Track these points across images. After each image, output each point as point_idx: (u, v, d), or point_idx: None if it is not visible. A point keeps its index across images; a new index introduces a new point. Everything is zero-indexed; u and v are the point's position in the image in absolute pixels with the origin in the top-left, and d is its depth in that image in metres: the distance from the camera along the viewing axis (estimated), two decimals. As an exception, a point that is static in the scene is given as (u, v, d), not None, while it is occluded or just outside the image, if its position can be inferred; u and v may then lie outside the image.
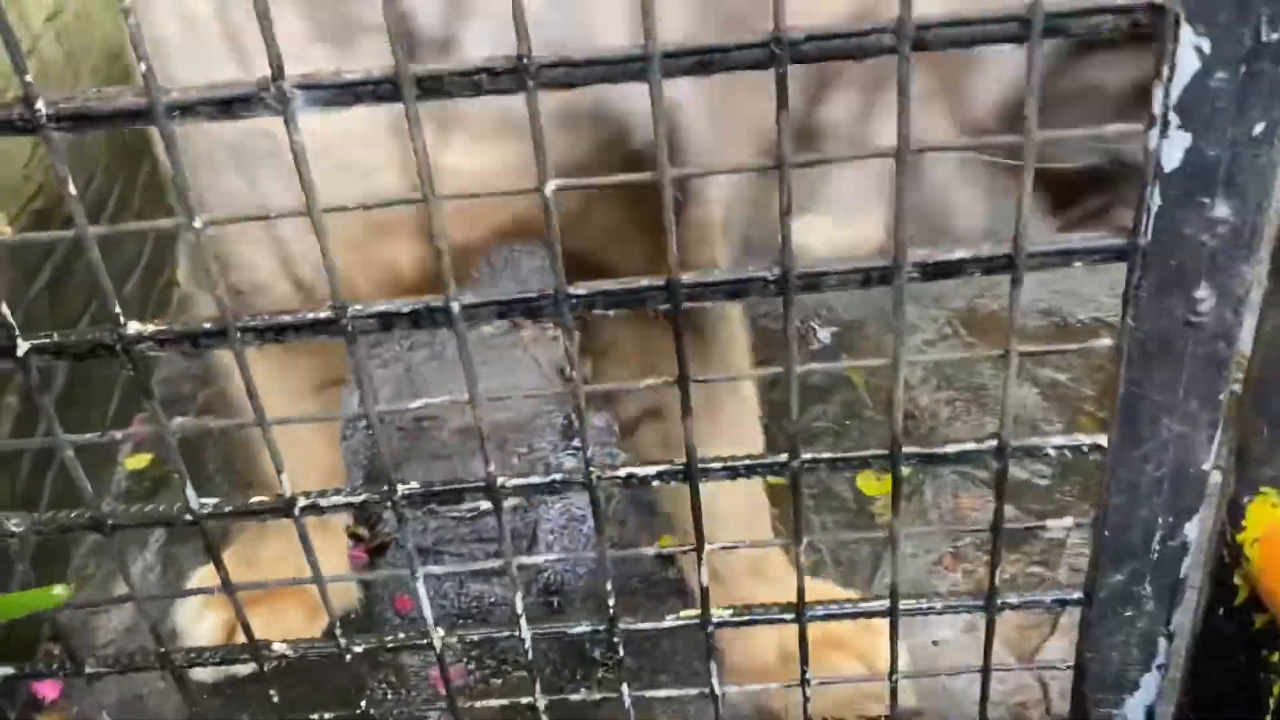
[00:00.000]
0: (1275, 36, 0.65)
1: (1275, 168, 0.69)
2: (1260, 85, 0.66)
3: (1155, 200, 0.71)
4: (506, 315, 0.75)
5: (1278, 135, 0.68)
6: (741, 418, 1.51)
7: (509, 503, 0.88)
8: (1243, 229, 0.71)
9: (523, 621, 0.91)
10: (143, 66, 0.64)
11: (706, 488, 0.83)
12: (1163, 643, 0.91)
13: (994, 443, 0.82)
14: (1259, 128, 0.68)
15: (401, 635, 0.94)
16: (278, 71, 0.64)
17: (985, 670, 0.98)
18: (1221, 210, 0.71)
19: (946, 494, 1.88)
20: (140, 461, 2.02)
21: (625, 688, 0.98)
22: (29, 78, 0.64)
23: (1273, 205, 0.71)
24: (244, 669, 1.42)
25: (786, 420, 0.80)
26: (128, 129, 0.69)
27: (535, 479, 0.84)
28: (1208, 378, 0.77)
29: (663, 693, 1.08)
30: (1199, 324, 0.75)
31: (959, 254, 0.74)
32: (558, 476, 0.84)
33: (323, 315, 0.74)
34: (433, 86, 0.66)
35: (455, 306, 0.73)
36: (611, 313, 0.76)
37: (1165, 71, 0.66)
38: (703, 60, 0.66)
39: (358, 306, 0.73)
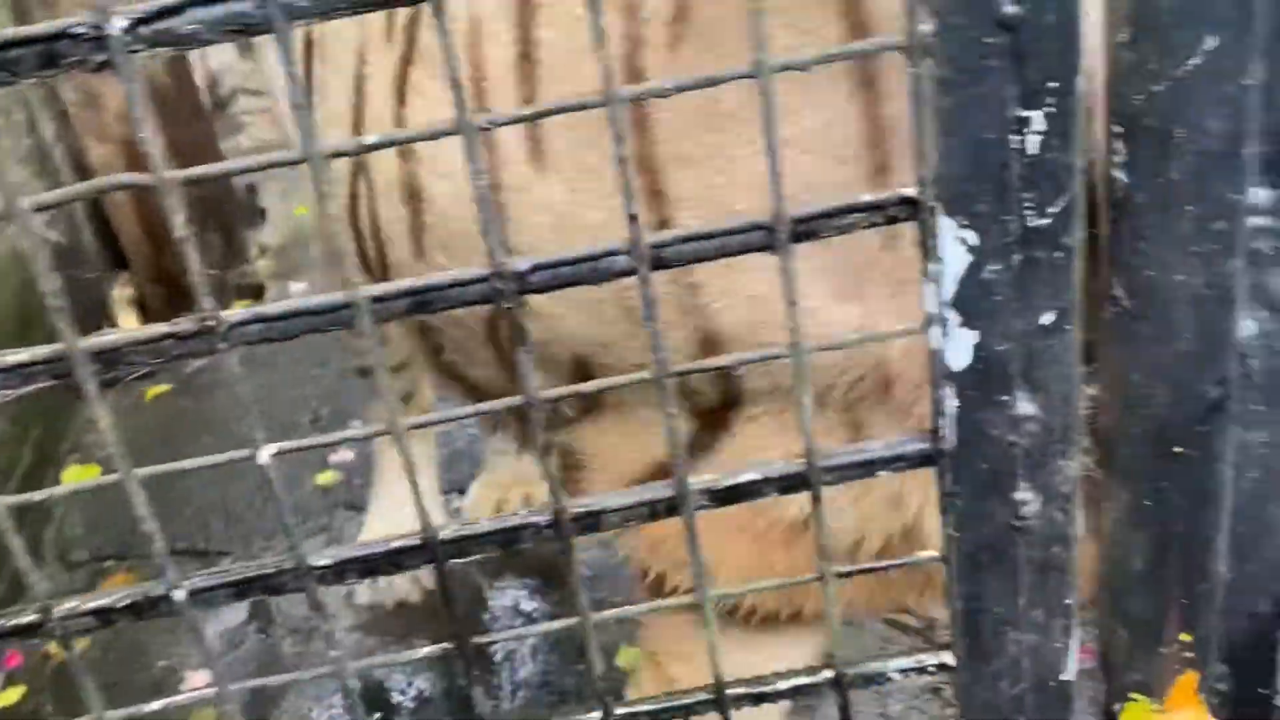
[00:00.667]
0: (1044, 221, 0.59)
1: (1075, 356, 0.63)
2: (1039, 273, 0.60)
3: (951, 402, 0.63)
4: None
5: (1070, 323, 0.62)
6: None
7: None
8: (1053, 425, 0.64)
9: None
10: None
11: None
12: None
13: (829, 673, 0.72)
14: (1047, 317, 0.61)
15: None
16: None
17: None
18: (1026, 407, 0.64)
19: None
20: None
21: None
22: None
23: (1079, 392, 0.64)
24: None
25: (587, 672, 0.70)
26: None
27: None
28: (1049, 584, 0.69)
29: None
30: (1026, 528, 0.67)
31: (749, 475, 0.66)
32: None
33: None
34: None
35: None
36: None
37: (933, 267, 0.60)
38: (419, 300, 0.59)
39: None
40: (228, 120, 5.09)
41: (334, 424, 2.90)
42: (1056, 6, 0.54)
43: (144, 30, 0.53)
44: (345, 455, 2.80)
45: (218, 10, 0.53)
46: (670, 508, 0.66)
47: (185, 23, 0.53)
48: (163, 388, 3.26)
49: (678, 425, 0.65)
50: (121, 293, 3.82)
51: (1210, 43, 0.55)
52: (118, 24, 0.52)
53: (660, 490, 0.66)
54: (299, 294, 3.35)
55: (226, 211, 4.36)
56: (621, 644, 1.95)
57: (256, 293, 4.07)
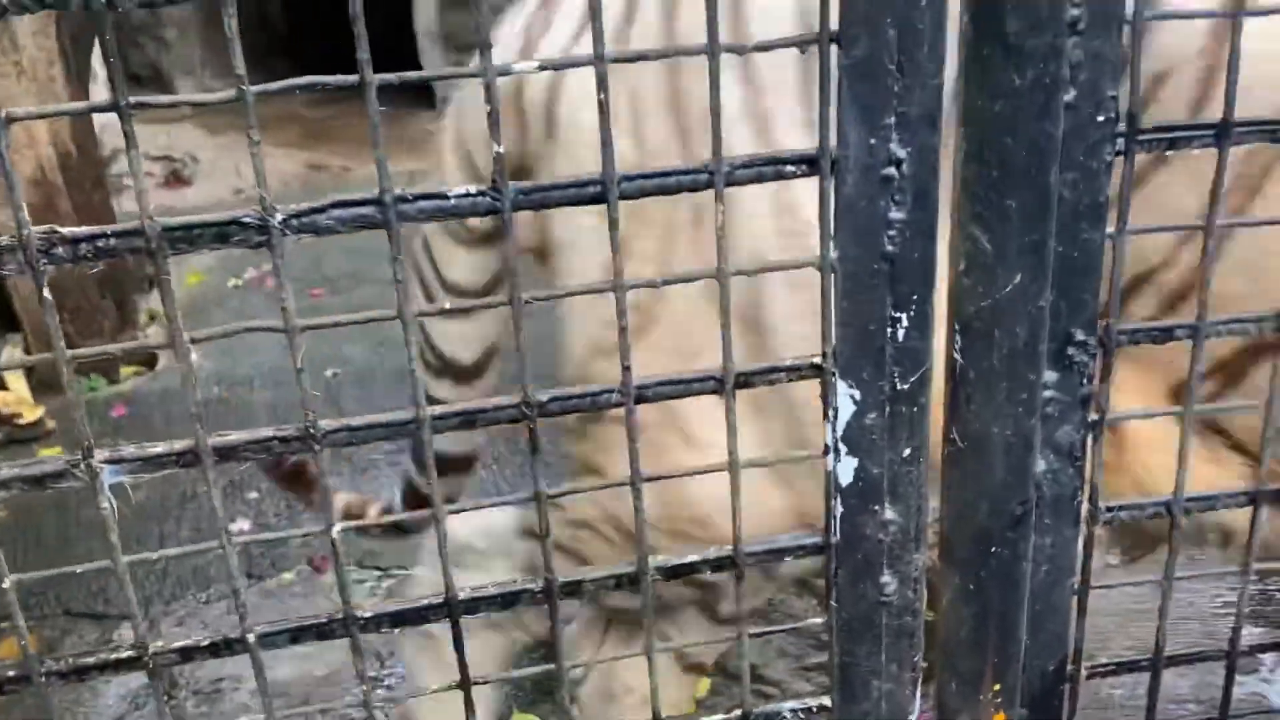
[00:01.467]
0: (906, 386, 0.85)
1: (924, 480, 0.89)
2: (901, 420, 0.86)
3: (839, 508, 0.88)
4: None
5: (922, 456, 0.88)
6: None
7: None
8: (908, 527, 0.90)
9: None
10: None
11: None
12: None
13: (739, 713, 0.95)
14: (907, 451, 0.87)
15: None
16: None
17: None
18: (890, 514, 0.89)
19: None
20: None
21: None
22: None
23: (927, 506, 0.90)
24: None
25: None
26: None
27: None
28: (901, 646, 0.94)
29: None
30: (887, 603, 0.92)
31: (690, 558, 0.89)
32: None
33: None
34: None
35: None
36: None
37: (831, 413, 0.86)
38: (466, 419, 0.81)
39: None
40: (110, 181, 5.12)
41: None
42: (920, 247, 0.81)
43: (294, 222, 0.74)
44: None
45: (349, 212, 0.75)
46: (631, 580, 0.89)
47: (326, 218, 0.75)
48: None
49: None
50: (12, 354, 3.82)
51: (1017, 277, 0.83)
52: (279, 217, 0.73)
53: (623, 568, 0.89)
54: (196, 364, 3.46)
55: (119, 278, 4.39)
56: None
57: (148, 361, 4.11)
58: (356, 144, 7.15)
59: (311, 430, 0.79)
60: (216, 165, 7.26)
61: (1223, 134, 0.84)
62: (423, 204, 0.76)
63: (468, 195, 0.76)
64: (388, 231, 0.75)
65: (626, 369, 0.82)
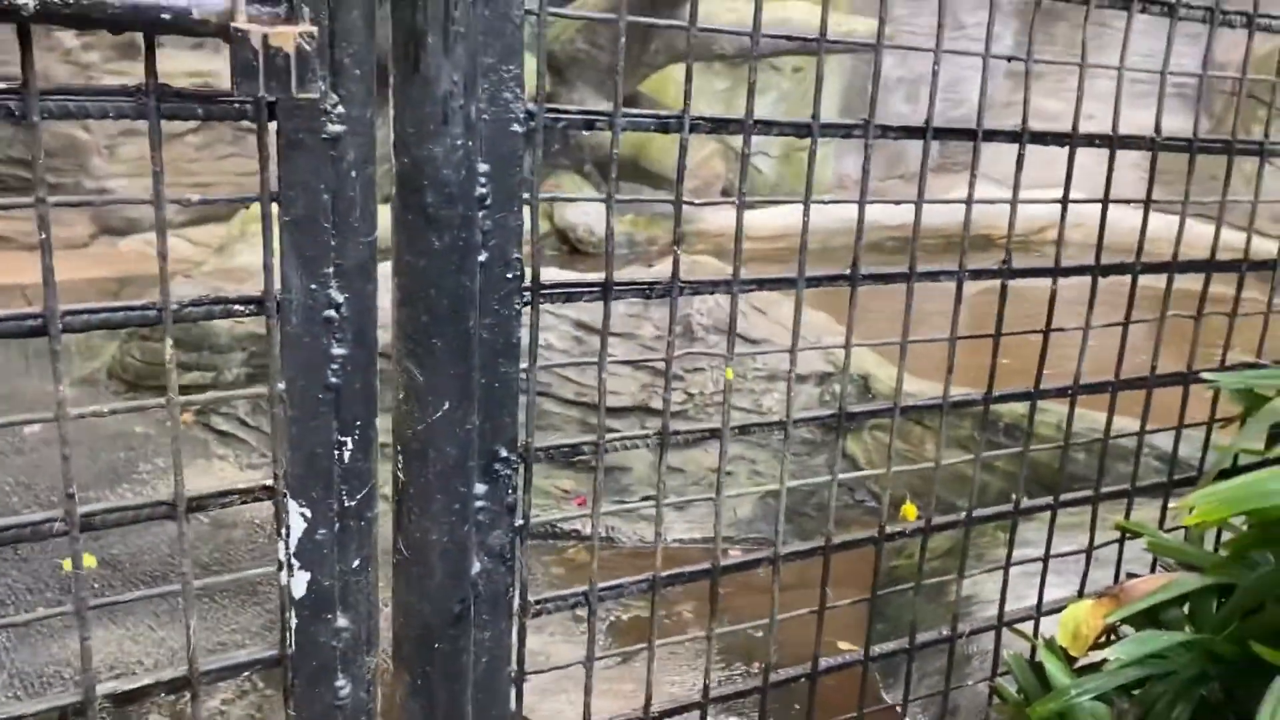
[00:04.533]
0: (353, 503, 0.95)
1: (374, 588, 0.99)
2: (351, 534, 0.96)
3: (294, 620, 0.96)
4: None
5: (371, 565, 0.98)
6: None
7: None
8: (360, 632, 0.99)
9: None
10: None
11: None
12: None
13: (198, 832, 0.96)
14: (356, 562, 0.97)
15: None
16: None
17: None
18: (343, 621, 0.98)
19: None
20: None
21: None
22: None
23: (380, 611, 1.00)
24: None
25: None
26: None
27: None
28: (357, 745, 1.02)
29: None
30: (343, 706, 1.00)
31: (143, 681, 0.91)
32: None
33: None
34: None
35: None
36: None
37: (284, 531, 0.93)
38: None
39: None
40: None
41: None
42: (361, 379, 0.93)
43: None
44: None
45: None
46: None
47: None
48: None
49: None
50: None
51: (446, 405, 0.98)
52: None
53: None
54: None
55: None
56: None
57: None
58: None
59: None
60: None
61: (606, 291, 1.07)
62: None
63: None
64: None
65: (70, 497, 0.84)
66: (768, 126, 1.09)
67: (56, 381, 0.82)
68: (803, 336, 1.17)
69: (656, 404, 3.58)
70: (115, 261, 5.88)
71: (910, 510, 2.34)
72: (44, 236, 0.77)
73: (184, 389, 3.91)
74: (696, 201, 1.09)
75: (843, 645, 2.49)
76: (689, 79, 1.03)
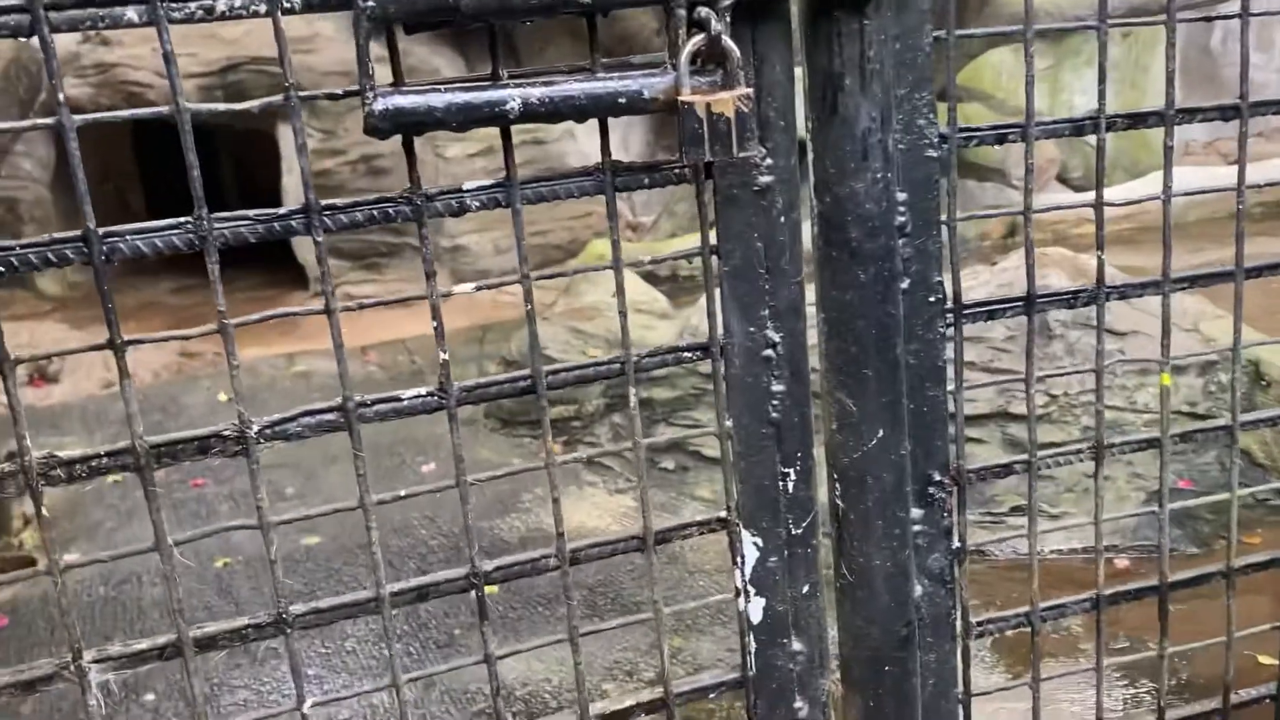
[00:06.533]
0: (799, 531, 1.00)
1: (823, 612, 1.02)
2: (799, 561, 1.00)
3: (753, 644, 1.01)
4: None
5: (819, 592, 1.02)
6: None
7: None
8: (813, 655, 1.03)
9: None
10: None
11: None
12: None
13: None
14: (806, 588, 1.01)
15: None
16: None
17: None
18: (797, 645, 1.02)
19: None
20: None
21: None
22: None
23: (828, 635, 1.03)
24: None
25: None
26: None
27: None
28: (818, 763, 1.05)
29: None
30: (801, 725, 1.04)
31: (628, 701, 1.00)
32: None
33: None
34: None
35: None
36: None
37: (739, 560, 0.99)
38: (420, 593, 0.91)
39: None
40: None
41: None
42: (798, 413, 0.97)
43: (268, 431, 0.85)
44: None
45: (316, 419, 0.86)
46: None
47: (295, 425, 0.86)
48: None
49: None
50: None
51: (880, 432, 1.00)
52: (255, 428, 0.84)
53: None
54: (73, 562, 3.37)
55: (-12, 481, 4.25)
56: None
57: (26, 563, 3.96)
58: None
59: (283, 615, 0.88)
60: (81, 360, 7.14)
61: (1029, 305, 1.04)
62: (379, 407, 0.88)
63: (419, 396, 0.88)
64: (349, 432, 0.87)
65: (560, 535, 0.94)
66: (1189, 115, 1.03)
67: (455, 443, 0.92)
68: (1175, 324, 1.08)
69: (1014, 409, 3.42)
70: (472, 311, 6.42)
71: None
72: (437, 323, 0.87)
73: (552, 423, 4.22)
74: (1119, 202, 1.05)
75: (1264, 660, 2.26)
76: (1101, 78, 0.99)
